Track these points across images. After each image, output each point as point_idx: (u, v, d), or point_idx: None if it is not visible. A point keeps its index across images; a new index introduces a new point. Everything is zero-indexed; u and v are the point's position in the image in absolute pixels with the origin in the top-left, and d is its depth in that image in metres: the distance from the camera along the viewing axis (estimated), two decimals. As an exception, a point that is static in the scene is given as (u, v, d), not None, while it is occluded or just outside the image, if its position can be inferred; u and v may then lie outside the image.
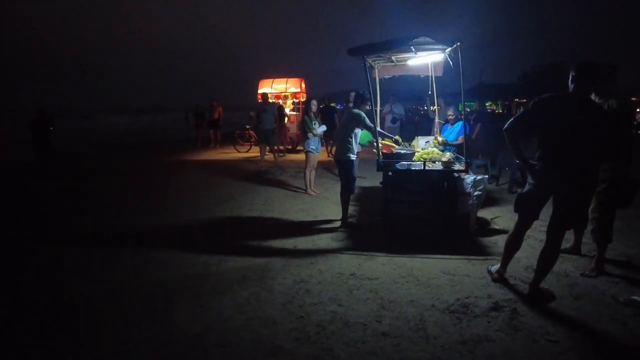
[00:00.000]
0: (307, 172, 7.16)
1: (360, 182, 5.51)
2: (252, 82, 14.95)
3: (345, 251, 4.46)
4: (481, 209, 5.25)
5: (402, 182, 5.06)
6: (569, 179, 3.06)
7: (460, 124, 6.16)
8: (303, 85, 14.70)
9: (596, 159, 3.14)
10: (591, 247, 4.15)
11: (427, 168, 4.77)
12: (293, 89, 14.59)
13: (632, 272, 3.86)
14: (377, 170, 4.92)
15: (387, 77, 7.18)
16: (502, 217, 5.61)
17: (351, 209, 5.59)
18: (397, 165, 4.88)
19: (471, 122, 8.11)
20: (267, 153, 12.36)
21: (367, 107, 5.07)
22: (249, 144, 13.41)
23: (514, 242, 3.50)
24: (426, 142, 6.20)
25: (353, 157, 5.15)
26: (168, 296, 3.50)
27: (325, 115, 11.81)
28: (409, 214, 5.50)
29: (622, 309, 3.18)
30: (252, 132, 13.14)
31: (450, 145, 5.97)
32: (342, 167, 5.22)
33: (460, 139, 5.87)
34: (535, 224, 3.47)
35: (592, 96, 3.47)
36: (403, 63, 6.44)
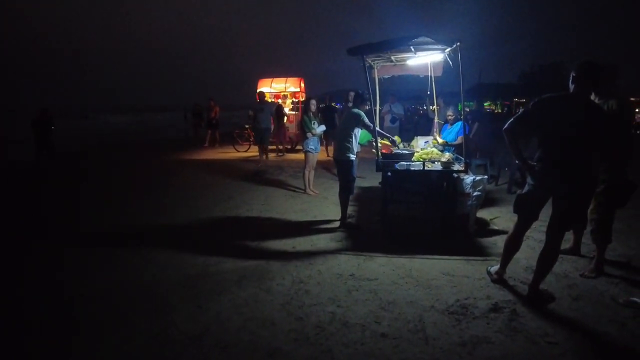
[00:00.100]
0: (306, 172, 7.15)
1: (359, 182, 5.52)
2: (252, 82, 14.95)
3: (344, 252, 4.46)
4: (480, 209, 5.25)
5: (401, 182, 5.06)
6: (568, 179, 3.06)
7: (459, 124, 6.16)
8: (302, 85, 14.70)
9: (596, 160, 3.14)
10: (590, 248, 4.15)
11: (426, 168, 4.77)
12: (292, 89, 14.60)
13: (632, 273, 3.86)
14: (377, 170, 4.91)
15: (386, 76, 7.18)
16: (502, 217, 5.60)
17: (350, 209, 5.59)
18: (397, 166, 4.87)
19: (469, 122, 8.11)
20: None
21: (367, 107, 5.07)
22: (248, 143, 13.40)
23: (514, 243, 3.50)
24: (425, 142, 6.19)
25: (353, 157, 5.14)
26: (167, 296, 3.50)
27: (326, 115, 11.79)
28: (408, 214, 5.49)
29: (621, 310, 3.18)
30: (251, 132, 13.13)
31: (449, 145, 5.97)
32: (341, 167, 5.21)
33: (460, 139, 5.86)
34: (535, 224, 3.46)
35: (592, 97, 3.47)
36: (402, 63, 6.44)
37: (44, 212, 6.43)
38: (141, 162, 11.92)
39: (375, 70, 6.76)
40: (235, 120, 18.24)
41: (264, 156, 10.79)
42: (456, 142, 5.99)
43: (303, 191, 7.31)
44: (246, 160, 11.62)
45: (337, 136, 5.37)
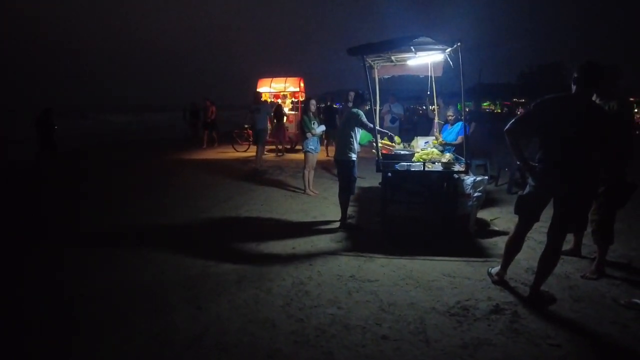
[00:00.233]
0: (306, 172, 7.13)
1: (359, 183, 5.52)
2: (252, 82, 14.93)
3: (345, 253, 4.45)
4: (480, 209, 5.24)
5: (401, 182, 5.05)
6: (570, 180, 3.05)
7: (460, 124, 6.15)
8: (302, 85, 14.68)
9: (597, 161, 3.13)
10: (591, 249, 4.15)
11: (426, 169, 4.76)
12: (292, 88, 14.58)
13: (633, 274, 3.85)
14: (377, 171, 4.90)
15: (386, 77, 7.16)
16: (502, 218, 5.60)
17: (350, 210, 5.57)
18: (397, 166, 4.86)
19: (469, 122, 8.10)
20: (265, 152, 12.30)
21: (367, 107, 5.06)
22: (247, 143, 13.37)
23: (515, 244, 3.49)
24: (425, 143, 6.18)
25: (353, 157, 5.13)
26: (167, 297, 3.49)
27: (327, 115, 11.75)
28: (408, 215, 5.48)
29: (623, 312, 3.17)
30: (250, 132, 13.08)
31: (449, 145, 5.96)
32: (342, 168, 5.20)
33: (460, 139, 5.86)
34: (535, 225, 3.45)
35: (593, 97, 3.46)
36: (403, 63, 6.42)
37: (44, 212, 6.41)
38: (141, 162, 11.89)
39: (376, 70, 6.75)
40: (235, 120, 18.21)
41: (261, 157, 10.54)
42: (456, 142, 5.98)
43: (303, 191, 7.29)
44: (246, 160, 11.60)
45: (338, 136, 5.36)
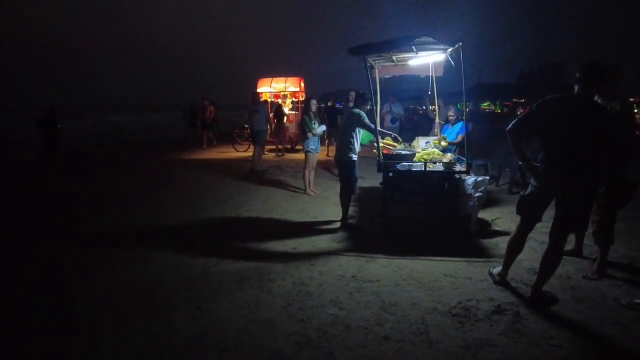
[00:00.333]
0: (307, 172, 7.13)
1: (359, 182, 5.51)
2: (252, 81, 14.91)
3: (346, 253, 4.43)
4: (481, 210, 5.23)
5: (402, 183, 5.04)
6: (572, 180, 3.04)
7: (461, 124, 6.15)
8: (302, 85, 14.66)
9: (599, 161, 3.12)
10: (592, 249, 4.13)
11: (428, 169, 4.75)
12: (292, 88, 14.55)
13: (635, 274, 3.85)
14: (378, 171, 4.89)
15: (387, 76, 7.15)
16: (503, 218, 5.59)
17: (351, 210, 5.56)
18: (398, 166, 4.85)
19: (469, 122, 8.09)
20: (265, 152, 12.25)
21: (368, 107, 5.05)
22: (247, 143, 13.34)
23: (516, 244, 3.48)
24: (426, 143, 6.17)
25: (354, 157, 5.12)
26: (167, 297, 3.48)
27: (329, 115, 11.72)
28: (409, 215, 5.47)
29: (625, 312, 3.16)
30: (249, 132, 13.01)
31: (450, 144, 5.96)
32: (343, 168, 5.19)
33: (460, 137, 5.85)
34: (537, 225, 3.44)
35: (595, 97, 3.45)
36: (404, 63, 6.41)
37: (44, 212, 6.40)
38: (141, 162, 11.89)
39: (376, 70, 6.73)
40: (235, 120, 18.19)
41: (259, 158, 10.26)
42: (457, 141, 5.97)
43: (303, 191, 7.29)
44: (246, 159, 11.57)
45: (339, 136, 5.35)
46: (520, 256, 3.62)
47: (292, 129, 13.44)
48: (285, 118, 12.91)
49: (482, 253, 4.40)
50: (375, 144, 4.98)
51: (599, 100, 3.50)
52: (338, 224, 5.33)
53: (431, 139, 6.46)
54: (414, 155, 5.15)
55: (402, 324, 3.00)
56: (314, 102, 7.14)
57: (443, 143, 5.88)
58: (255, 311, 3.21)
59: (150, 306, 3.34)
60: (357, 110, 5.03)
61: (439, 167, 4.81)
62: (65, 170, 10.57)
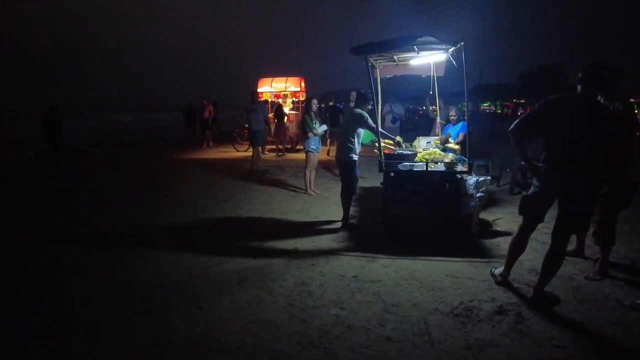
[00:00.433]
0: (307, 172, 7.11)
1: (360, 182, 5.50)
2: (253, 81, 14.89)
3: (347, 253, 4.42)
4: (482, 210, 5.22)
5: (403, 183, 5.02)
6: (573, 180, 3.03)
7: (461, 123, 6.13)
8: (303, 84, 14.65)
9: (602, 161, 3.11)
10: (594, 250, 4.12)
11: (429, 169, 4.74)
12: (293, 88, 14.53)
13: (637, 275, 3.84)
14: (379, 171, 4.88)
15: (388, 76, 7.14)
16: (504, 218, 5.58)
17: (352, 210, 5.54)
18: (399, 166, 4.84)
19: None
20: (265, 152, 12.23)
21: (370, 107, 5.03)
22: (247, 143, 13.32)
23: (519, 244, 3.46)
24: (427, 143, 6.16)
25: (355, 157, 5.10)
26: (167, 297, 3.47)
27: (332, 114, 11.70)
28: (410, 215, 5.46)
29: (627, 313, 3.16)
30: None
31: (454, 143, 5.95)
32: (344, 168, 5.17)
33: (461, 136, 5.84)
34: (538, 226, 3.43)
35: (598, 98, 3.44)
36: (405, 63, 6.40)
37: (44, 212, 6.38)
38: (141, 161, 11.87)
39: (378, 70, 6.72)
40: (236, 120, 18.15)
41: (258, 158, 10.07)
42: (458, 140, 5.96)
43: (304, 191, 7.27)
44: (246, 159, 11.56)
45: (339, 136, 5.33)
46: (522, 257, 3.60)
47: (292, 128, 13.44)
48: (285, 118, 12.89)
49: (484, 253, 4.39)
50: (377, 144, 4.97)
51: (602, 101, 3.49)
52: (339, 224, 5.32)
53: (432, 139, 6.45)
54: (415, 155, 5.13)
55: (404, 324, 2.99)
56: (314, 101, 7.12)
57: (453, 146, 5.85)
58: (256, 311, 3.20)
59: (150, 306, 3.33)
60: (358, 110, 5.02)
61: (441, 167, 4.79)
62: (65, 170, 10.55)
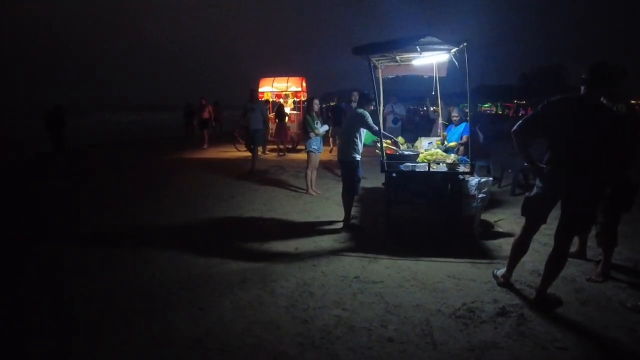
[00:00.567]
0: (309, 172, 7.10)
1: (362, 183, 5.48)
2: (254, 81, 14.87)
3: (348, 253, 4.41)
4: (484, 211, 5.21)
5: (405, 183, 5.01)
6: (577, 181, 3.02)
7: (464, 124, 6.11)
8: (304, 84, 14.63)
9: (605, 163, 3.10)
10: (596, 252, 4.12)
11: (431, 170, 4.72)
12: (294, 88, 14.52)
13: (639, 277, 3.83)
14: (381, 171, 4.86)
15: (390, 77, 7.12)
16: (506, 219, 5.56)
17: (353, 210, 5.53)
18: (401, 167, 4.83)
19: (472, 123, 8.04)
20: (266, 152, 12.19)
21: (372, 107, 5.01)
22: (245, 143, 13.26)
23: (521, 246, 3.45)
24: (429, 144, 6.14)
25: (358, 157, 5.09)
26: (167, 298, 3.45)
27: (334, 113, 11.70)
28: (412, 215, 5.44)
29: (629, 315, 3.15)
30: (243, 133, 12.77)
31: (457, 144, 5.93)
32: (346, 168, 5.15)
33: (465, 138, 5.82)
34: (540, 227, 3.42)
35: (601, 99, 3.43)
36: (407, 63, 6.38)
37: (44, 212, 6.36)
38: (141, 161, 11.85)
39: (380, 70, 6.70)
40: (236, 120, 18.13)
41: (257, 158, 9.82)
42: (461, 142, 5.94)
43: (305, 191, 7.26)
44: (247, 159, 11.54)
45: (342, 137, 5.32)
46: (524, 258, 3.59)
47: (293, 128, 13.42)
48: (286, 118, 12.88)
49: (486, 254, 4.38)
50: (379, 145, 4.96)
51: (605, 102, 3.48)
52: (340, 225, 5.30)
53: (434, 139, 6.43)
54: (417, 155, 5.12)
55: (406, 325, 2.98)
56: (316, 101, 7.11)
57: (451, 145, 5.84)
58: (258, 312, 3.19)
59: (150, 306, 3.31)
60: (360, 111, 5.00)
61: (443, 167, 4.78)
62: (65, 170, 10.53)
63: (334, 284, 3.64)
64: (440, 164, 4.85)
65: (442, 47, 4.92)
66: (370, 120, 4.94)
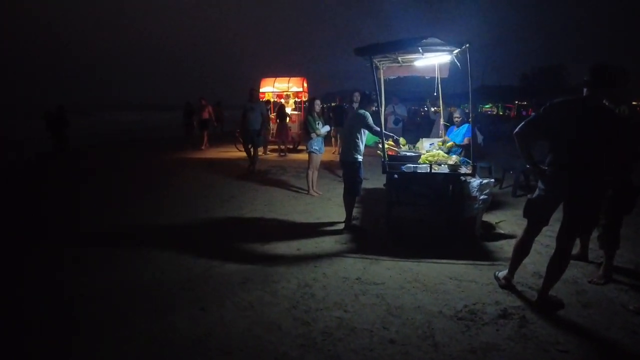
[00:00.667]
0: (310, 173, 7.08)
1: (363, 184, 5.46)
2: (254, 81, 14.83)
3: (350, 254, 4.39)
4: (485, 212, 5.20)
5: (407, 184, 5.00)
6: (579, 183, 3.01)
7: (466, 126, 6.09)
8: (305, 85, 14.62)
9: (606, 164, 3.09)
10: (598, 254, 4.11)
11: (433, 171, 4.71)
12: (295, 88, 14.50)
13: (641, 279, 3.81)
14: (383, 172, 4.85)
15: (391, 77, 7.11)
16: (507, 221, 5.55)
17: (354, 211, 5.51)
18: (403, 168, 4.82)
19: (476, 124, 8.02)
20: (267, 152, 12.16)
21: (374, 108, 5.00)
22: (242, 144, 13.18)
23: (523, 248, 3.44)
24: (431, 145, 6.13)
25: (360, 158, 5.07)
26: (168, 298, 3.44)
27: (336, 114, 11.68)
28: (413, 217, 5.44)
29: (631, 318, 3.14)
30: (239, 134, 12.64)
31: (457, 146, 5.91)
32: (348, 169, 5.14)
33: (467, 140, 5.81)
34: (542, 229, 3.41)
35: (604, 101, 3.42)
36: (409, 64, 6.37)
37: (44, 212, 6.35)
38: (142, 161, 11.85)
39: (381, 70, 6.69)
40: (237, 120, 18.09)
41: (257, 159, 9.75)
42: (463, 144, 5.93)
43: (306, 192, 7.24)
44: (247, 159, 11.53)
45: (343, 137, 5.31)
46: (526, 260, 3.58)
47: (294, 129, 13.40)
48: (288, 118, 12.86)
49: (487, 256, 4.37)
50: (380, 146, 4.94)
51: (608, 105, 3.47)
52: (342, 225, 5.29)
53: (435, 140, 6.42)
54: (419, 157, 5.11)
55: (408, 327, 2.97)
56: (317, 102, 7.09)
57: (450, 144, 5.84)
58: (259, 313, 3.18)
59: (150, 306, 3.30)
60: (362, 111, 4.98)
61: (444, 169, 4.77)
62: (65, 170, 10.52)
63: (335, 285, 3.63)
64: (442, 165, 4.83)
65: (444, 48, 4.91)
66: (371, 121, 4.92)
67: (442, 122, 7.49)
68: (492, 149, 8.02)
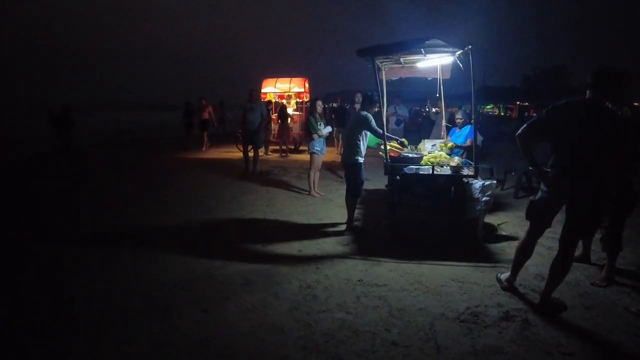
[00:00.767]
0: (311, 174, 7.07)
1: (364, 185, 5.44)
2: (254, 81, 14.82)
3: (352, 256, 4.38)
4: (487, 214, 5.18)
5: (409, 186, 4.98)
6: (581, 185, 3.00)
7: (468, 127, 6.07)
8: (307, 85, 14.58)
9: (606, 164, 3.08)
10: (600, 256, 4.10)
11: (435, 172, 4.69)
12: (297, 89, 14.45)
13: (643, 282, 3.80)
14: (385, 173, 4.84)
15: (393, 78, 7.09)
16: (509, 222, 5.54)
17: (356, 212, 5.50)
18: (405, 169, 4.80)
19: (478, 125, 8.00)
20: (268, 153, 12.12)
21: (376, 109, 4.99)
22: (242, 145, 13.11)
23: (525, 250, 3.43)
24: (433, 146, 6.11)
25: (361, 159, 5.07)
26: (169, 299, 3.43)
27: (337, 114, 11.65)
28: (415, 218, 5.41)
29: (634, 320, 3.13)
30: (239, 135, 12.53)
31: (459, 147, 5.90)
32: (349, 170, 5.13)
33: (469, 142, 5.79)
34: (545, 231, 3.40)
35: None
36: (411, 65, 6.36)
37: (44, 212, 6.34)
38: (142, 161, 11.83)
39: (384, 72, 6.68)
40: (238, 120, 18.04)
41: (258, 159, 9.54)
42: (465, 145, 5.91)
43: (308, 193, 7.22)
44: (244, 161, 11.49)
45: (345, 138, 5.30)
46: (528, 262, 3.57)
47: (296, 129, 13.38)
48: (289, 119, 12.84)
49: (489, 258, 4.35)
50: (382, 147, 4.93)
51: (610, 106, 3.46)
52: (343, 227, 5.28)
53: (437, 141, 6.40)
54: (421, 158, 5.09)
55: (410, 329, 2.95)
56: (319, 103, 7.07)
57: (449, 144, 5.82)
58: (262, 315, 3.16)
59: (151, 307, 3.30)
60: (364, 113, 4.97)
61: (447, 170, 4.75)
62: (65, 170, 10.51)
63: (337, 287, 3.62)
64: (444, 166, 4.82)
65: (446, 49, 4.89)
66: (373, 123, 4.91)
67: (443, 123, 7.46)
68: (493, 150, 7.99)
